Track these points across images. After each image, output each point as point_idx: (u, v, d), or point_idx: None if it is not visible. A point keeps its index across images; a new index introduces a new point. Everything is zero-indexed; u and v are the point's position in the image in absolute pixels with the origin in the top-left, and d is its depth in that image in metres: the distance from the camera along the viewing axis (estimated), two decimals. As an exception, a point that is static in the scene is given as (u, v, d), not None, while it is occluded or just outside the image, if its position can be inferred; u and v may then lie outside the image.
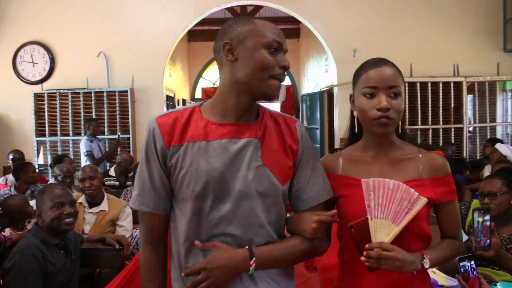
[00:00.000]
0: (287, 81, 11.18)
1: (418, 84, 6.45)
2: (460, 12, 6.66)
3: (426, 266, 1.27)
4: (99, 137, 5.91)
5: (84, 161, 5.50)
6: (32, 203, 3.53)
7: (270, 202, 1.26)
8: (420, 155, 1.40)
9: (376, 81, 1.33)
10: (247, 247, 1.22)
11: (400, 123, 1.40)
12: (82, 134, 6.22)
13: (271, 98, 1.26)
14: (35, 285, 2.09)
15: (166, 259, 1.32)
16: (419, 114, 6.50)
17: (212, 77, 11.60)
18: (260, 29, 1.22)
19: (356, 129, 1.45)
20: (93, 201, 3.38)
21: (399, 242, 1.25)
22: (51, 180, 4.89)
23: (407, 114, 6.37)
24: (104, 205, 3.42)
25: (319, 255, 1.38)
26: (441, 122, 6.54)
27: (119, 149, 5.98)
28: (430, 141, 6.46)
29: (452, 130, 6.58)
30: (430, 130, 6.55)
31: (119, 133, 6.04)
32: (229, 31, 1.24)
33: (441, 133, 6.56)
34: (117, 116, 6.30)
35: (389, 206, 1.26)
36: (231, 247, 1.21)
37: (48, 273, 2.17)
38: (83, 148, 5.58)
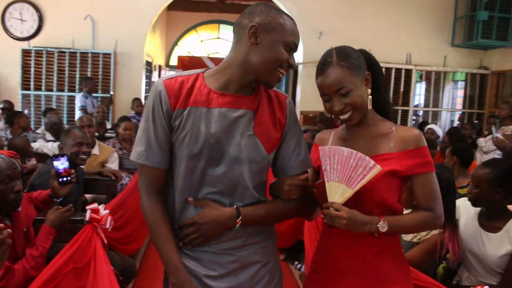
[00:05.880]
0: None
1: (374, 68, 7.24)
2: (417, 6, 7.45)
3: (382, 230, 1.34)
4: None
5: (78, 114, 6.05)
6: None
7: (256, 168, 1.38)
8: (394, 131, 1.44)
9: (323, 89, 1.41)
10: (235, 206, 1.35)
11: (387, 103, 1.51)
12: (66, 91, 6.80)
13: (270, 86, 1.38)
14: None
15: (166, 206, 1.41)
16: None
17: (187, 46, 12.09)
18: (286, 27, 1.32)
19: None
20: (87, 146, 4.01)
21: (361, 209, 1.35)
22: (40, 130, 5.46)
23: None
24: (95, 150, 4.07)
25: (303, 216, 1.56)
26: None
27: (111, 107, 6.65)
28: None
29: (400, 111, 7.46)
30: (381, 110, 7.40)
31: (112, 92, 6.61)
32: (259, 15, 1.31)
33: (390, 113, 7.41)
34: (100, 77, 6.83)
35: (344, 171, 1.34)
36: (220, 206, 1.35)
37: (64, 193, 2.82)
38: (78, 103, 6.19)
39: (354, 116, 1.41)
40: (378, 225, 1.33)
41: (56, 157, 2.35)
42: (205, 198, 1.35)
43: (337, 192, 1.35)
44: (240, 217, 1.34)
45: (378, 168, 1.31)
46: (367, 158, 1.32)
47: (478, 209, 2.21)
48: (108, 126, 5.74)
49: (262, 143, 1.37)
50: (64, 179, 2.33)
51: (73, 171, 2.38)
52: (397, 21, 7.37)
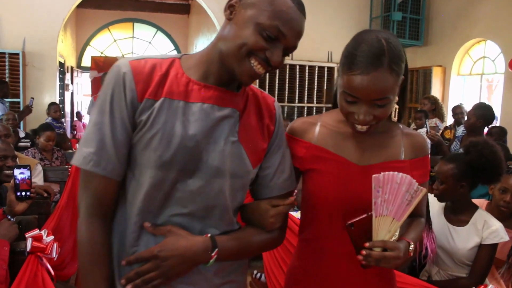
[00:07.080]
0: (175, 55, 11.53)
1: (298, 67, 7.34)
2: (336, 7, 7.68)
3: (412, 253, 1.20)
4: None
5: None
6: None
7: (238, 185, 1.09)
8: (402, 134, 1.26)
9: (358, 92, 1.09)
10: (209, 235, 1.03)
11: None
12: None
13: (241, 79, 1.05)
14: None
15: (111, 237, 1.07)
16: (297, 93, 7.41)
17: (100, 46, 11.40)
18: (271, 6, 1.00)
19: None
20: (5, 159, 3.53)
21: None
22: None
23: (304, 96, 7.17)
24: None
25: (276, 247, 1.24)
26: (315, 101, 7.54)
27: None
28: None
29: (324, 109, 7.61)
30: (306, 108, 7.51)
31: (32, 97, 5.90)
32: None
33: (314, 111, 7.56)
34: (7, 79, 6.13)
35: (394, 201, 1.12)
36: (189, 234, 1.02)
37: (-13, 216, 2.42)
38: None
39: (371, 129, 1.17)
40: (410, 249, 1.16)
41: (19, 167, 2.11)
42: (168, 222, 1.02)
43: (385, 228, 1.12)
44: (217, 249, 1.02)
45: (423, 191, 1.12)
46: (414, 181, 1.11)
47: (443, 204, 2.24)
48: (22, 134, 5.15)
49: (248, 154, 1.08)
50: (23, 193, 2.09)
51: (33, 185, 2.16)
52: (317, 21, 7.50)
